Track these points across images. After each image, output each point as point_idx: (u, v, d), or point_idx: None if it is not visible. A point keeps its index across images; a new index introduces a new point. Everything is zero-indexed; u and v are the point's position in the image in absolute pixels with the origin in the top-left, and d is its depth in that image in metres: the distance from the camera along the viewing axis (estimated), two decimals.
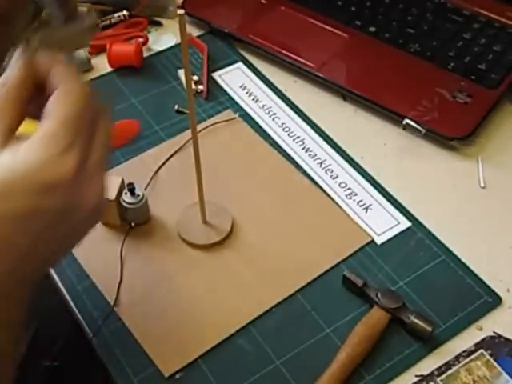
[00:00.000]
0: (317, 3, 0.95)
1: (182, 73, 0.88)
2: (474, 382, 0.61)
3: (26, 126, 0.43)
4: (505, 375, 0.62)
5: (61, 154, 0.40)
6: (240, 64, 0.91)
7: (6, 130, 0.41)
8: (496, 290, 0.68)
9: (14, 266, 0.41)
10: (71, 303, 0.68)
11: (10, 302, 0.43)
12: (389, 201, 0.75)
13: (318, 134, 0.82)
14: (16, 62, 0.43)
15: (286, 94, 0.87)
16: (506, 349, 0.63)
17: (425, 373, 0.62)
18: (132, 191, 0.70)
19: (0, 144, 0.40)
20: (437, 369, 0.62)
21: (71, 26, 0.46)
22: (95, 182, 0.43)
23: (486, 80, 0.85)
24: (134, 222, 0.72)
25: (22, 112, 0.42)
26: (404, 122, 0.81)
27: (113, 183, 0.71)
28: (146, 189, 0.75)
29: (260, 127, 0.83)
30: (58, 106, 0.41)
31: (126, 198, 0.70)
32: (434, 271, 0.69)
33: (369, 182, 0.77)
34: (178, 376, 0.63)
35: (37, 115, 0.42)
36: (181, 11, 0.51)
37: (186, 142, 0.79)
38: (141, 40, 0.91)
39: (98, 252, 0.71)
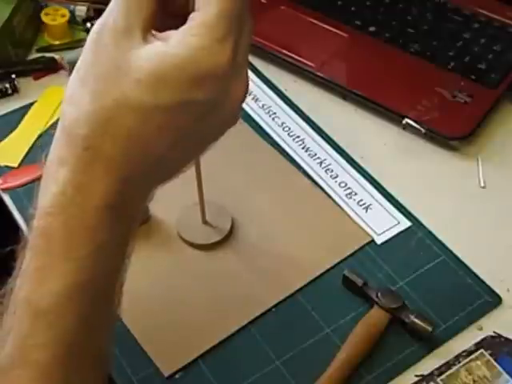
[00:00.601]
0: (317, 3, 0.95)
1: None
2: (474, 381, 0.61)
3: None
4: (505, 375, 0.62)
5: (218, 43, 0.38)
6: None
7: (146, 21, 0.39)
8: (496, 290, 0.68)
9: (153, 162, 0.40)
10: None
11: (135, 218, 0.42)
12: (389, 200, 0.75)
13: (317, 133, 0.82)
14: None
15: (286, 93, 0.87)
16: (506, 349, 0.63)
17: (425, 373, 0.62)
18: None
19: (141, 35, 0.38)
20: (437, 369, 0.62)
21: None
22: (243, 75, 0.42)
23: (486, 80, 0.85)
24: None
25: (160, 4, 0.40)
26: (404, 122, 0.81)
27: None
28: None
29: (260, 127, 0.83)
30: None
31: None
32: (434, 271, 0.69)
33: (369, 181, 0.77)
34: (177, 376, 0.62)
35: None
36: None
37: None
38: None
39: None
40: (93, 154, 0.39)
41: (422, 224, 0.73)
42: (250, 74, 0.89)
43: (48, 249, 0.39)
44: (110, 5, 0.40)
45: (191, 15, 0.39)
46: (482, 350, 0.63)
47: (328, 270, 0.69)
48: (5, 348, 0.40)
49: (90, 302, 0.40)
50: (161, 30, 0.40)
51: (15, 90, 0.87)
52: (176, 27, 0.39)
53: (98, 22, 0.40)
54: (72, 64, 0.92)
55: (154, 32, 0.39)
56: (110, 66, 0.38)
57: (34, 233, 0.40)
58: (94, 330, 0.41)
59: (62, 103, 0.40)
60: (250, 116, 0.84)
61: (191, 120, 0.40)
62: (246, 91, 0.42)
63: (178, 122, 0.39)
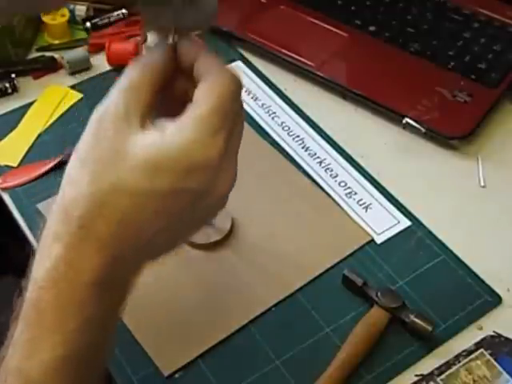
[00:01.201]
0: (317, 2, 0.95)
1: None
2: (474, 381, 0.61)
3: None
4: (505, 375, 0.61)
5: (211, 137, 0.41)
6: (239, 63, 0.91)
7: (145, 108, 0.42)
8: (496, 290, 0.68)
9: (144, 244, 0.42)
10: None
11: (125, 292, 0.44)
12: (389, 200, 0.75)
13: (317, 133, 0.82)
14: (159, 45, 0.44)
15: (286, 92, 0.87)
16: (506, 348, 0.63)
17: (425, 372, 0.62)
18: None
19: (140, 122, 0.41)
20: (437, 368, 0.62)
21: (192, 8, 0.46)
22: (231, 168, 0.44)
23: (486, 79, 0.85)
24: None
25: (158, 94, 0.43)
26: (404, 121, 0.81)
27: None
28: None
29: (259, 126, 0.83)
30: (211, 94, 0.41)
31: None
32: (433, 270, 0.69)
33: (369, 181, 0.77)
34: (177, 375, 0.62)
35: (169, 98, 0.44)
36: None
37: None
38: (140, 38, 0.90)
39: None
40: (86, 233, 0.41)
41: (421, 223, 0.73)
42: (250, 73, 0.89)
43: (39, 321, 0.41)
44: (112, 91, 0.42)
45: (187, 107, 0.41)
46: (481, 350, 0.63)
47: (328, 270, 0.69)
48: None
49: (77, 371, 0.42)
50: (161, 111, 0.43)
51: (15, 89, 0.87)
52: (175, 111, 0.42)
53: (100, 107, 0.42)
54: (71, 63, 0.92)
55: (151, 120, 0.42)
56: (109, 151, 0.41)
57: (27, 304, 0.42)
58: None
59: (62, 183, 0.43)
60: (249, 115, 0.84)
61: (183, 206, 0.42)
62: (233, 181, 0.45)
63: (171, 209, 0.41)
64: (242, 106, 0.45)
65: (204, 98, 0.42)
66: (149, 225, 0.41)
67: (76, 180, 0.42)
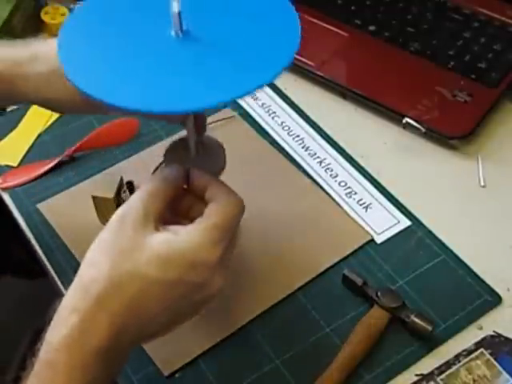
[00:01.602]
0: (317, 2, 0.95)
1: None
2: (474, 381, 0.61)
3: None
4: (505, 374, 0.62)
5: (215, 243, 0.50)
6: None
7: (158, 215, 0.51)
8: (496, 289, 0.68)
9: (147, 322, 0.50)
10: None
11: (123, 361, 0.52)
12: (389, 200, 0.75)
13: (317, 132, 0.82)
14: (175, 167, 0.54)
15: (286, 92, 0.87)
16: (506, 348, 0.63)
17: (425, 372, 0.62)
18: (131, 190, 0.70)
19: (154, 226, 0.50)
20: (437, 368, 0.62)
21: (204, 158, 0.58)
22: (224, 271, 0.52)
23: (486, 79, 0.85)
24: None
25: (169, 205, 0.53)
26: (404, 121, 0.81)
27: (112, 181, 0.70)
28: None
29: (259, 126, 0.83)
30: (218, 213, 0.51)
31: (125, 196, 0.70)
32: (433, 270, 0.69)
33: (369, 180, 0.77)
34: (177, 375, 0.62)
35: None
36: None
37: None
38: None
39: None
40: (102, 309, 0.48)
41: (421, 223, 0.73)
42: None
43: (52, 379, 0.48)
44: (133, 197, 0.52)
45: (197, 220, 0.51)
46: (481, 350, 0.63)
47: (328, 270, 0.69)
48: None
49: None
50: (169, 223, 0.52)
51: None
52: (177, 222, 0.52)
53: (121, 210, 0.51)
54: None
55: (161, 225, 0.51)
56: (128, 245, 0.49)
57: (41, 364, 0.48)
58: None
59: (82, 264, 0.50)
60: (249, 114, 0.84)
61: (183, 295, 0.50)
62: (223, 282, 0.52)
63: (173, 295, 0.50)
64: (239, 225, 0.54)
65: (212, 215, 0.51)
66: (153, 307, 0.49)
67: (97, 263, 0.49)
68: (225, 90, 0.48)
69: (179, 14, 0.50)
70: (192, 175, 0.54)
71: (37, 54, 0.62)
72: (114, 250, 0.49)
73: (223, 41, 0.52)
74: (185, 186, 0.55)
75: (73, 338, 0.48)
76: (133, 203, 0.51)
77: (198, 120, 0.59)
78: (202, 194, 0.54)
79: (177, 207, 0.54)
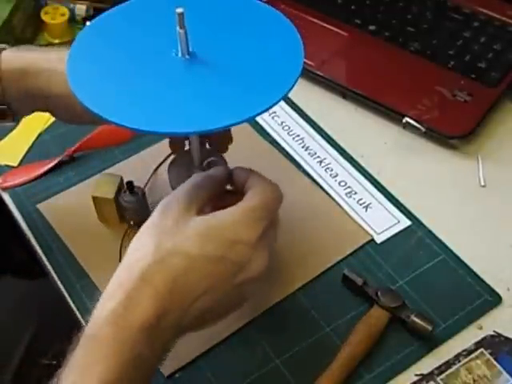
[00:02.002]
0: (317, 1, 0.95)
1: None
2: (474, 381, 0.61)
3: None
4: (505, 374, 0.62)
5: (253, 222, 0.52)
6: None
7: (201, 207, 0.54)
8: (496, 289, 0.68)
9: (189, 303, 0.51)
10: (70, 301, 0.68)
11: (167, 344, 0.52)
12: (389, 199, 0.75)
13: (317, 132, 0.82)
14: (221, 168, 0.59)
15: None
16: (506, 348, 0.63)
17: (425, 372, 0.62)
18: (131, 189, 0.70)
19: (196, 212, 0.53)
20: (437, 368, 0.62)
21: (206, 170, 0.60)
22: (265, 252, 0.53)
23: (485, 78, 0.85)
24: (132, 220, 0.72)
25: (210, 203, 0.55)
26: (404, 121, 0.81)
27: (111, 182, 0.71)
28: (145, 187, 0.75)
29: (259, 126, 0.83)
30: (259, 195, 0.54)
31: (125, 196, 0.70)
32: (433, 270, 0.69)
33: (369, 180, 0.77)
34: (177, 375, 0.62)
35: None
36: (180, 10, 0.51)
37: None
38: None
39: (96, 250, 0.71)
40: (146, 285, 0.50)
41: (421, 223, 0.73)
42: None
43: (97, 349, 0.49)
44: (178, 188, 0.55)
45: (244, 199, 0.53)
46: (481, 350, 0.63)
47: (328, 269, 0.69)
48: None
49: None
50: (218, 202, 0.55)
51: None
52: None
53: (167, 198, 0.54)
54: None
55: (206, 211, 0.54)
56: (171, 227, 0.52)
57: (87, 337, 0.50)
58: None
59: (129, 248, 0.53)
60: None
61: (224, 274, 0.52)
62: (265, 267, 0.54)
63: (213, 273, 0.51)
64: (279, 206, 0.56)
65: (251, 198, 0.54)
66: (195, 286, 0.51)
67: (142, 246, 0.52)
68: (229, 114, 0.49)
69: (185, 36, 0.51)
70: (234, 171, 0.58)
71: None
72: (158, 232, 0.52)
73: (228, 63, 0.54)
74: (228, 187, 0.58)
75: (118, 313, 0.49)
76: (177, 193, 0.54)
77: (212, 138, 0.64)
78: (242, 188, 0.56)
79: (218, 206, 0.55)
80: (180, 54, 0.53)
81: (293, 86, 0.52)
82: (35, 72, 0.63)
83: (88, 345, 0.49)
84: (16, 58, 0.64)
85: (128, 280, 0.50)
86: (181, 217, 0.52)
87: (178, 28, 0.52)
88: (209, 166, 0.61)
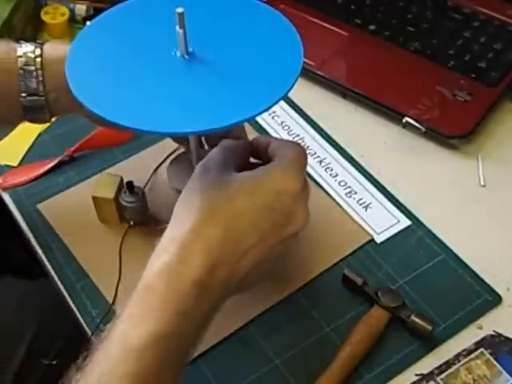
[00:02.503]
0: (317, 1, 0.95)
1: None
2: (474, 380, 0.61)
3: None
4: (505, 374, 0.62)
5: (295, 174, 0.54)
6: None
7: (235, 165, 0.55)
8: (496, 289, 0.68)
9: (239, 257, 0.52)
10: (70, 302, 0.68)
11: (215, 305, 0.53)
12: (389, 199, 0.75)
13: (317, 132, 0.82)
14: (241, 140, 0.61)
15: None
16: (506, 348, 0.63)
17: (425, 372, 0.62)
18: (131, 189, 0.70)
19: (234, 168, 0.54)
20: (437, 368, 0.62)
21: None
22: (305, 206, 0.55)
23: (486, 78, 0.85)
24: (132, 220, 0.72)
25: (241, 161, 0.57)
26: (404, 121, 0.81)
27: (111, 182, 0.71)
28: (145, 187, 0.75)
29: (259, 126, 0.83)
30: (293, 151, 0.56)
31: (125, 196, 0.70)
32: (433, 270, 0.69)
33: (369, 180, 0.77)
34: None
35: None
36: (180, 9, 0.51)
37: None
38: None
39: (96, 250, 0.71)
40: (197, 237, 0.51)
41: (421, 223, 0.73)
42: None
43: (149, 300, 0.50)
44: (212, 151, 0.56)
45: (274, 159, 0.55)
46: (481, 349, 0.63)
47: (328, 269, 0.69)
48: (94, 371, 0.48)
49: (171, 350, 0.49)
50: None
51: None
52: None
53: (203, 160, 0.55)
54: None
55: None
56: (216, 182, 0.53)
57: (139, 287, 0.51)
58: (169, 370, 0.50)
59: (175, 208, 0.54)
60: None
61: (271, 224, 0.53)
62: (307, 219, 0.55)
63: (262, 224, 0.52)
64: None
65: (286, 153, 0.55)
66: (246, 237, 0.52)
67: (189, 201, 0.53)
68: (228, 114, 0.49)
69: (185, 35, 0.51)
70: (254, 140, 0.60)
71: None
72: (203, 188, 0.53)
73: (228, 63, 0.54)
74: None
75: (171, 265, 0.50)
76: (212, 154, 0.56)
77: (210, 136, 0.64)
78: (266, 154, 0.58)
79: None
80: (179, 54, 0.53)
81: (292, 85, 0.52)
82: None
83: (141, 296, 0.50)
84: (58, 46, 0.65)
85: (180, 233, 0.51)
86: (222, 174, 0.53)
87: (177, 28, 0.52)
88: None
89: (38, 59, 0.63)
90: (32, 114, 0.65)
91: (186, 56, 0.53)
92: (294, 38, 0.56)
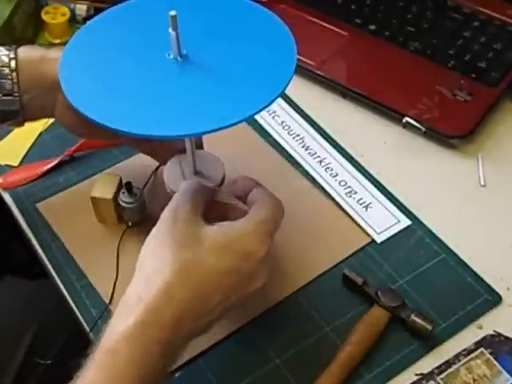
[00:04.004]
0: (317, 1, 0.95)
1: None
2: (474, 380, 0.61)
3: None
4: (505, 374, 0.62)
5: (266, 235, 0.54)
6: None
7: (203, 211, 0.55)
8: (496, 289, 0.68)
9: (204, 313, 0.52)
10: (70, 301, 0.68)
11: (179, 355, 0.53)
12: (389, 199, 0.75)
13: (317, 132, 0.82)
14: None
15: (286, 91, 0.87)
16: (506, 347, 0.63)
17: (425, 371, 0.62)
18: (130, 190, 0.70)
19: (201, 217, 0.54)
20: (437, 367, 0.62)
21: (203, 174, 0.63)
22: (268, 264, 0.55)
23: (486, 78, 0.85)
24: (131, 221, 0.71)
25: (209, 204, 0.57)
26: (404, 120, 0.81)
27: (110, 182, 0.71)
28: (143, 188, 0.74)
29: (260, 125, 0.83)
30: (268, 205, 0.56)
31: (124, 197, 0.70)
32: (433, 270, 0.69)
33: (369, 180, 0.77)
34: (177, 374, 0.62)
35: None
36: (172, 12, 0.51)
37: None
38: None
39: (94, 250, 0.71)
40: (167, 300, 0.50)
41: (421, 223, 0.73)
42: None
43: (113, 367, 0.49)
44: (181, 194, 0.56)
45: (250, 212, 0.55)
46: (481, 349, 0.63)
47: (328, 269, 0.69)
48: None
49: None
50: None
51: None
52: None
53: (171, 204, 0.55)
54: None
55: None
56: (187, 237, 0.52)
57: (103, 351, 0.50)
58: None
59: (141, 257, 0.53)
60: None
61: (236, 285, 0.53)
62: (268, 280, 0.55)
63: (229, 284, 0.53)
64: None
65: (262, 209, 0.55)
66: (210, 297, 0.52)
67: (158, 256, 0.52)
68: (220, 117, 0.49)
69: (178, 38, 0.51)
70: (239, 179, 0.60)
71: None
72: (174, 243, 0.52)
73: (221, 64, 0.54)
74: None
75: (138, 329, 0.49)
76: (180, 200, 0.55)
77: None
78: (245, 196, 0.58)
79: (211, 212, 0.57)
80: (173, 57, 0.53)
81: (287, 85, 0.51)
82: (52, 58, 0.63)
83: (104, 360, 0.49)
84: (33, 48, 0.66)
85: (148, 294, 0.50)
86: (192, 227, 0.53)
87: (170, 30, 0.51)
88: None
89: (13, 62, 0.64)
90: (5, 115, 0.66)
91: (179, 58, 0.53)
92: (287, 37, 0.56)
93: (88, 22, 0.59)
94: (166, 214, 0.54)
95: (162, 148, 0.67)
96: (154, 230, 0.54)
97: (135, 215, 0.71)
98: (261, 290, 0.55)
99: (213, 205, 0.58)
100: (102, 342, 0.50)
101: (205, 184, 0.59)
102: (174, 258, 0.51)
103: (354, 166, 0.79)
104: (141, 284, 0.52)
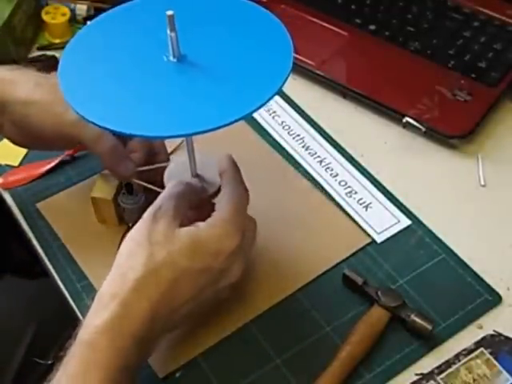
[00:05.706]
0: (317, 1, 0.95)
1: None
2: (474, 380, 0.61)
3: None
4: (505, 374, 0.62)
5: (233, 232, 0.56)
6: None
7: (184, 214, 0.57)
8: (496, 289, 0.68)
9: (175, 309, 0.55)
10: (70, 301, 0.68)
11: (153, 349, 0.56)
12: (389, 199, 0.75)
13: (317, 132, 0.82)
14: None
15: (286, 91, 0.87)
16: (506, 347, 0.63)
17: (425, 371, 0.62)
18: (130, 191, 0.70)
19: (180, 220, 0.56)
20: (437, 367, 0.62)
21: (203, 177, 0.63)
22: (242, 259, 0.58)
23: (486, 78, 0.85)
24: (131, 221, 0.71)
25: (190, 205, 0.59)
26: (404, 120, 0.81)
27: (111, 182, 0.71)
28: (144, 188, 0.74)
29: (260, 125, 0.83)
30: (231, 202, 0.57)
31: (124, 198, 0.70)
32: (434, 270, 0.69)
33: (369, 180, 0.77)
34: (177, 374, 0.62)
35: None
36: (170, 12, 0.51)
37: (182, 141, 0.79)
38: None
39: (94, 251, 0.71)
40: (140, 295, 0.53)
41: (421, 222, 0.73)
42: None
43: (91, 358, 0.51)
44: (165, 196, 0.58)
45: (213, 213, 0.57)
46: (481, 349, 0.63)
47: (328, 269, 0.69)
48: None
49: None
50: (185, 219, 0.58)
51: None
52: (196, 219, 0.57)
53: (153, 206, 0.57)
54: None
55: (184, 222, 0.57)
56: (162, 238, 0.55)
57: (81, 344, 0.52)
58: None
59: (118, 255, 0.56)
60: None
61: (208, 282, 0.56)
62: (241, 274, 0.58)
63: (201, 281, 0.55)
64: (248, 217, 0.60)
65: (225, 207, 0.57)
66: (183, 295, 0.55)
67: (134, 254, 0.54)
68: (218, 115, 0.49)
69: (176, 38, 0.51)
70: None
71: (37, 82, 0.68)
72: (150, 242, 0.54)
73: (218, 64, 0.54)
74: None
75: (113, 323, 0.52)
76: (164, 202, 0.57)
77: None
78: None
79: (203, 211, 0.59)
80: (171, 57, 0.53)
81: (284, 81, 0.51)
82: None
83: (82, 353, 0.52)
84: None
85: (122, 290, 0.53)
86: (169, 228, 0.55)
87: (168, 31, 0.51)
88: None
89: None
90: None
91: (177, 59, 0.53)
92: (283, 36, 0.56)
93: (87, 24, 0.59)
94: (147, 214, 0.57)
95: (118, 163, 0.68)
96: (133, 229, 0.56)
97: (135, 216, 0.71)
98: (236, 283, 0.58)
99: (202, 204, 0.60)
100: (79, 335, 0.53)
101: (191, 185, 0.60)
102: (147, 258, 0.54)
103: (354, 166, 0.79)
104: (115, 281, 0.54)
